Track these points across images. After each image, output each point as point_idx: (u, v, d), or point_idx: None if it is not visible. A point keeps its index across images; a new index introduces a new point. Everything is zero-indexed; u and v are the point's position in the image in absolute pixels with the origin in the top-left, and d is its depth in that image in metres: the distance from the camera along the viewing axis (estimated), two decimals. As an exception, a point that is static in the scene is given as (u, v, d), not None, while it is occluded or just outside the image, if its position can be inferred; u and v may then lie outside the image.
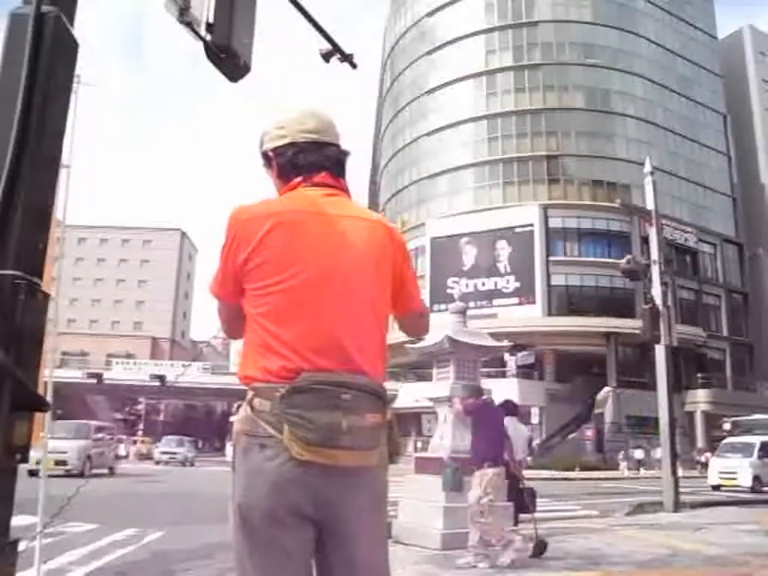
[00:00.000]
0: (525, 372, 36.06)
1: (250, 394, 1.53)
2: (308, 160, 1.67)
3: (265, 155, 1.75)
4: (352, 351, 1.54)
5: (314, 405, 1.43)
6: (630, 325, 32.26)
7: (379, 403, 1.54)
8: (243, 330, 1.62)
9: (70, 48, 1.93)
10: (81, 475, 15.57)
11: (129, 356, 56.33)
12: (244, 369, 1.58)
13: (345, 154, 1.76)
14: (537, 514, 10.13)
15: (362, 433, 1.47)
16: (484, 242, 39.63)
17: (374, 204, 57.97)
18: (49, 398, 2.99)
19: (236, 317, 1.65)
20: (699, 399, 37.64)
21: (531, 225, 39.09)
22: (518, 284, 38.57)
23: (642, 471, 29.81)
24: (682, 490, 12.40)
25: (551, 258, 38.87)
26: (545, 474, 24.61)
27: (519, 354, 34.78)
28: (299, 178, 1.67)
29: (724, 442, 22.63)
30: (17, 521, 1.79)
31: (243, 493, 1.50)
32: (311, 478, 1.46)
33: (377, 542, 1.62)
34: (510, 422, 8.37)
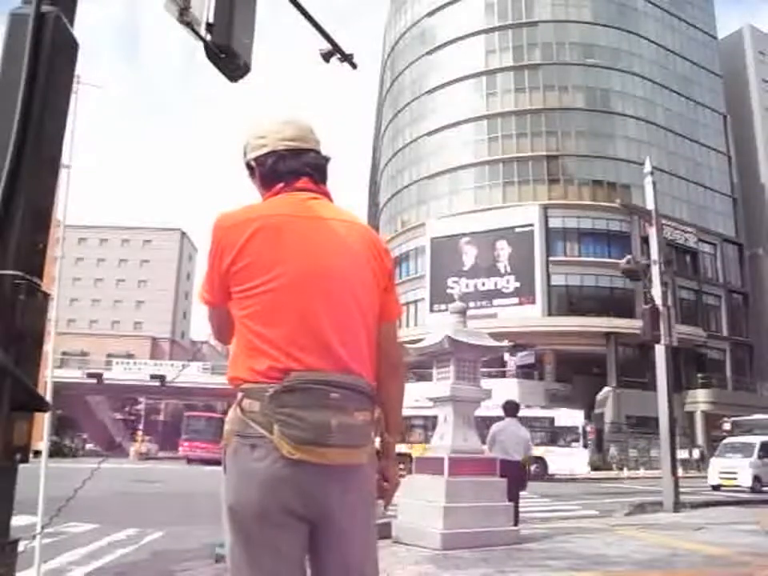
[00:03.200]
0: (525, 372, 36.05)
1: (239, 395, 1.55)
2: (288, 167, 1.71)
3: (248, 165, 1.78)
4: (339, 350, 1.56)
5: (303, 404, 1.46)
6: (630, 325, 32.25)
7: (368, 401, 1.56)
8: (233, 334, 1.64)
9: (69, 48, 1.93)
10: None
11: (129, 356, 56.26)
12: (233, 370, 1.60)
13: (324, 159, 1.79)
14: (537, 514, 10.15)
15: (351, 431, 1.49)
16: (484, 241, 39.60)
17: (374, 204, 57.99)
18: (49, 398, 2.99)
19: (225, 321, 1.67)
20: (699, 399, 37.62)
21: (531, 225, 39.07)
22: (518, 284, 38.54)
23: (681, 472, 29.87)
24: (681, 490, 12.40)
25: (551, 258, 38.85)
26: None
27: (519, 354, 34.77)
28: (281, 185, 1.70)
29: (724, 442, 22.62)
30: (17, 521, 1.79)
31: (235, 493, 1.51)
32: (302, 477, 1.47)
33: (367, 540, 1.63)
34: (509, 423, 8.38)
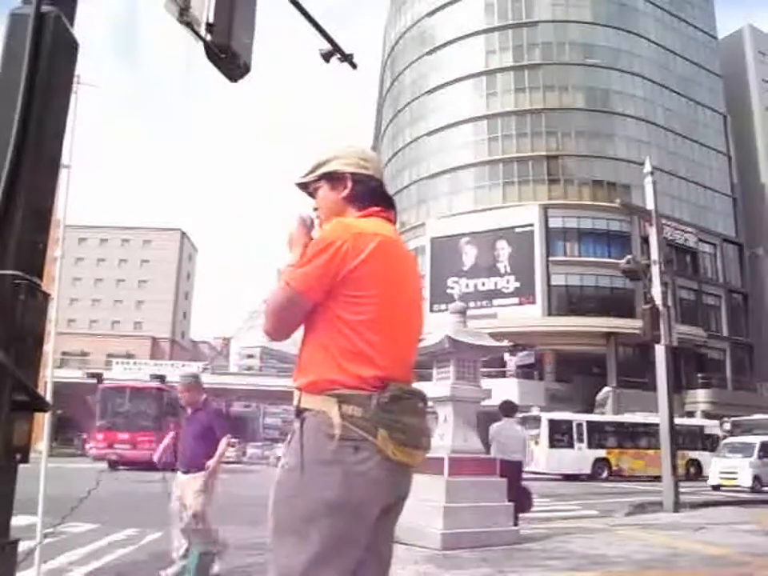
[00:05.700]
0: (525, 372, 36.03)
1: (332, 399, 1.62)
2: (385, 196, 1.91)
3: (335, 174, 1.86)
4: (411, 365, 1.82)
5: (404, 411, 1.65)
6: (630, 325, 32.22)
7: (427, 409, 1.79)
8: (293, 332, 1.77)
9: (69, 48, 1.93)
10: None
11: (129, 356, 56.25)
12: (325, 372, 1.66)
13: None
14: (538, 514, 10.13)
15: (428, 435, 1.74)
16: (484, 242, 39.59)
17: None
18: (49, 398, 2.99)
19: (300, 317, 1.73)
20: (699, 399, 37.59)
21: (531, 225, 39.05)
22: (518, 284, 38.53)
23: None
24: (681, 490, 12.39)
25: (551, 258, 38.83)
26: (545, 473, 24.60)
27: (519, 354, 34.75)
28: (377, 208, 1.85)
29: (724, 442, 22.63)
30: (17, 521, 1.79)
31: (335, 492, 1.58)
32: (396, 477, 1.66)
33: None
34: (506, 423, 8.38)
